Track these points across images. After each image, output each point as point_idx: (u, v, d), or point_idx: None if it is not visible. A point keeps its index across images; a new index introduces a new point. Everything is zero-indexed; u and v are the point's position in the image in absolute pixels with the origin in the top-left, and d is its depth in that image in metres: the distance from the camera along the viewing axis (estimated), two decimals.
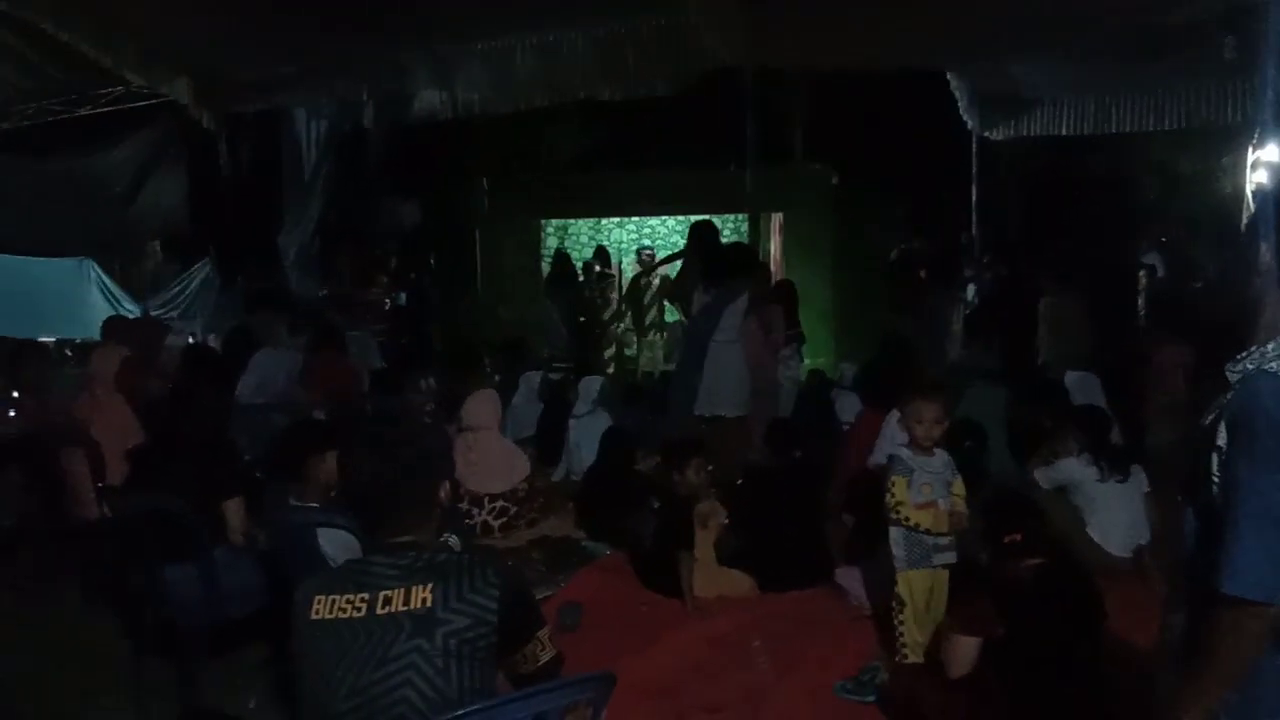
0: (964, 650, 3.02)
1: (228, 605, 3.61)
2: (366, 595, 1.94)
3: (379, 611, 1.92)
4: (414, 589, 1.93)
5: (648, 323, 10.85)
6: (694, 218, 12.26)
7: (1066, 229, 8.24)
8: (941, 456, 3.71)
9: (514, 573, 2.13)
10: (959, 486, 3.70)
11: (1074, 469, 4.56)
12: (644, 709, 3.50)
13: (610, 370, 10.12)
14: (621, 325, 11.28)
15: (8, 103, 9.05)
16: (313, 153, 9.54)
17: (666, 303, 10.63)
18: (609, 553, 5.24)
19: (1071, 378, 5.81)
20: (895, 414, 5.00)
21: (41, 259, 10.25)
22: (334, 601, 1.95)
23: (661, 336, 10.82)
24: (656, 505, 4.73)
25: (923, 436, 3.64)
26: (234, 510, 3.76)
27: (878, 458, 4.98)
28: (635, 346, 11.09)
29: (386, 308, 9.98)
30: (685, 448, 4.87)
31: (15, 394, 5.29)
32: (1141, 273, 9.04)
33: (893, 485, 3.64)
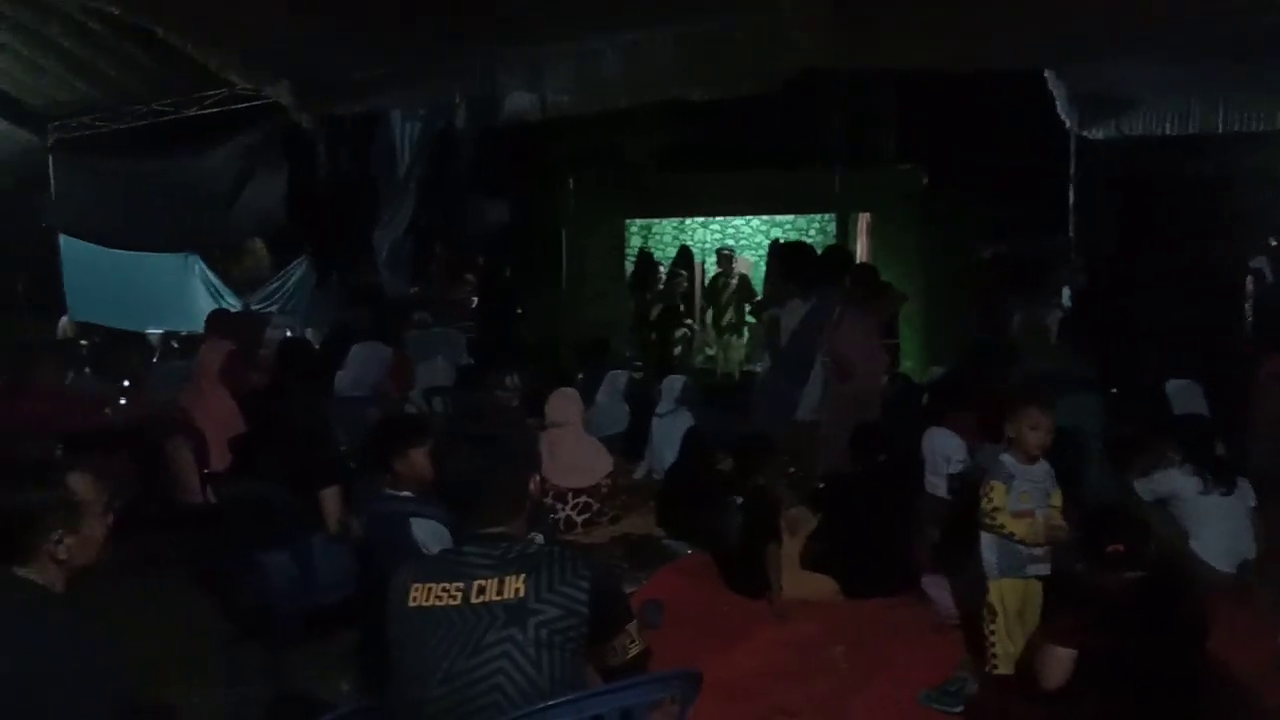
0: (1057, 662, 2.94)
1: (321, 591, 3.72)
2: (461, 584, 1.98)
3: (474, 600, 1.96)
4: (507, 579, 1.97)
5: (724, 322, 10.83)
6: (779, 218, 12.29)
7: (1168, 232, 7.93)
8: (1043, 466, 3.62)
9: (603, 566, 2.16)
10: (1058, 498, 3.60)
11: (1175, 481, 4.40)
12: (723, 711, 3.47)
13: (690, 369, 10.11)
14: (702, 325, 11.27)
15: (120, 105, 9.49)
16: (406, 153, 9.78)
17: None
18: (690, 552, 5.25)
19: (1173, 386, 5.60)
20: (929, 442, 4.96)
21: (149, 254, 10.70)
22: (430, 589, 2.00)
23: (739, 337, 10.78)
24: (740, 502, 4.71)
25: (1031, 445, 3.54)
26: (330, 499, 3.87)
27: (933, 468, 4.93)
28: (716, 346, 11.07)
29: (474, 305, 10.17)
30: (764, 447, 4.85)
31: (126, 383, 5.56)
32: (1249, 278, 8.65)
33: (991, 491, 3.55)
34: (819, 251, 6.95)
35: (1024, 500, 3.54)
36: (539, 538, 3.70)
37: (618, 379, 7.58)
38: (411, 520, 3.18)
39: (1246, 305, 8.48)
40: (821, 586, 4.62)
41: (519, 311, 10.23)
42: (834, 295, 6.06)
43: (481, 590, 1.97)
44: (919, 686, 3.65)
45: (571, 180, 11.40)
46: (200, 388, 5.57)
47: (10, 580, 1.99)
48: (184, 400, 5.61)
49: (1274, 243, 10.64)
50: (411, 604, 2.00)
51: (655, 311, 10.71)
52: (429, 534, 3.12)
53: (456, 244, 11.01)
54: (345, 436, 5.52)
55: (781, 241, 10.65)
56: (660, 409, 6.75)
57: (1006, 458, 3.62)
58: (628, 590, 4.62)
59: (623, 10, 6.94)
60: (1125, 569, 2.95)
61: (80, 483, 2.07)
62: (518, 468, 2.15)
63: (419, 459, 3.43)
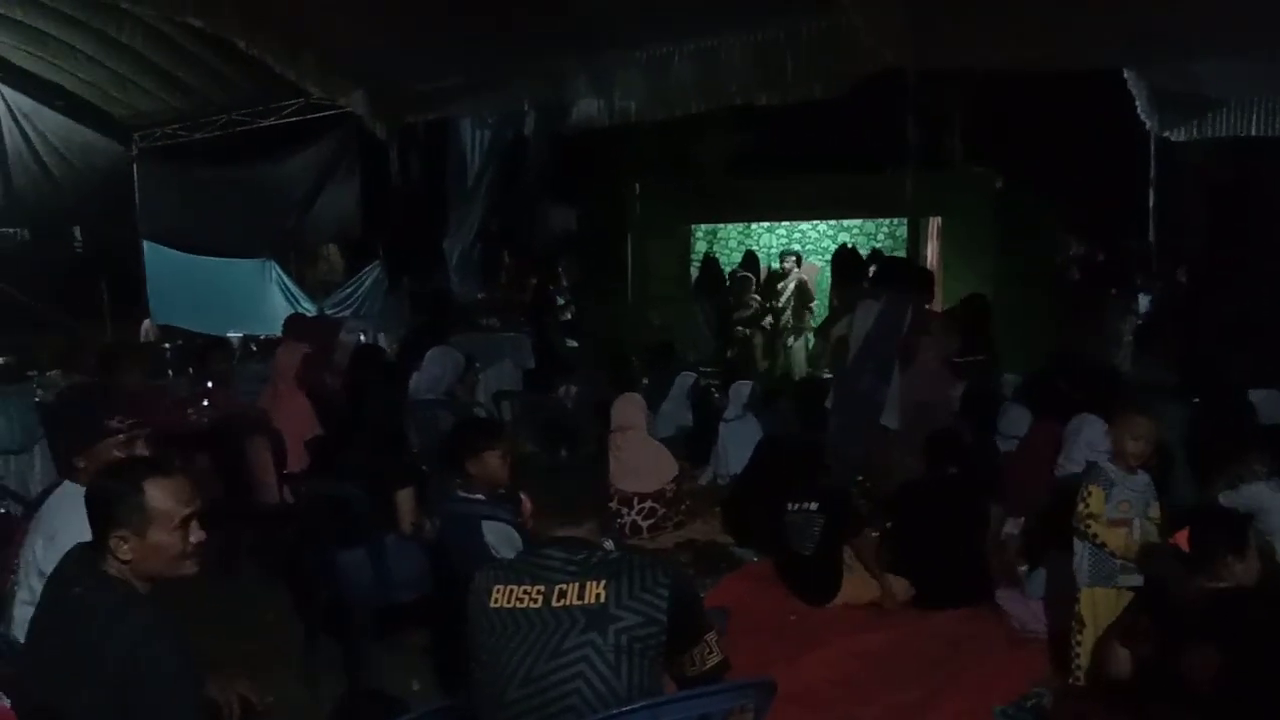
0: (1114, 658, 2.88)
1: (395, 590, 3.78)
2: (543, 587, 2.00)
3: (554, 604, 1.97)
4: (588, 584, 1.98)
5: (782, 324, 10.75)
6: (846, 222, 12.16)
7: (1252, 236, 7.66)
8: (1144, 477, 3.53)
9: (683, 575, 2.16)
10: (1156, 511, 3.50)
11: (1263, 494, 4.22)
12: None
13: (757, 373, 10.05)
14: (768, 329, 11.20)
15: (201, 115, 9.79)
16: (476, 161, 9.92)
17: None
18: (756, 559, 5.22)
19: (1257, 395, 5.40)
20: (1078, 427, 4.82)
21: (228, 260, 11.00)
22: (512, 591, 2.02)
23: (797, 340, 10.69)
24: (811, 508, 4.67)
25: (1136, 454, 3.47)
26: (404, 500, 3.94)
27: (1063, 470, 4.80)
28: (782, 351, 10.99)
29: (537, 311, 10.24)
30: (834, 451, 4.82)
31: (208, 385, 5.72)
32: None
33: (1088, 495, 3.47)
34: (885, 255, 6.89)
35: (1123, 510, 3.45)
36: (609, 543, 3.74)
37: (686, 380, 7.58)
38: (483, 523, 3.22)
39: None
40: (893, 586, 4.57)
41: (575, 317, 10.27)
42: (905, 297, 5.99)
43: (563, 594, 1.98)
44: (995, 702, 3.57)
45: (638, 185, 11.43)
46: (277, 390, 5.71)
47: (100, 578, 2.04)
48: (262, 402, 5.75)
49: None
50: (494, 605, 2.02)
51: (721, 316, 10.69)
52: (499, 536, 3.15)
53: (524, 250, 11.13)
54: (419, 439, 5.62)
55: (848, 246, 10.54)
56: (728, 414, 6.74)
57: (1108, 465, 3.54)
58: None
59: (692, 17, 6.96)
60: (1235, 580, 2.86)
61: (157, 490, 2.06)
62: (598, 471, 2.17)
63: (492, 461, 3.48)
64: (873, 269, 6.90)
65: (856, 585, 4.56)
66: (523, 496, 3.30)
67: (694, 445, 7.01)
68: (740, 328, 10.80)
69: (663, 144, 11.65)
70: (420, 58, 8.15)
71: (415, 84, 8.75)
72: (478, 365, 6.73)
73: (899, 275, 6.18)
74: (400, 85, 8.76)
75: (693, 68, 7.33)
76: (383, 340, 8.06)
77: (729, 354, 10.63)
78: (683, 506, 6.01)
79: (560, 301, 10.38)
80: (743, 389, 6.79)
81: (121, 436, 2.78)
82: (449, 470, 3.71)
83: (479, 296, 9.86)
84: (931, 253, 10.98)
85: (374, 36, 7.74)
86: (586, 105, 8.09)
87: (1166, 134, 8.82)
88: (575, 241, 11.23)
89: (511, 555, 2.85)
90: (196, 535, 2.12)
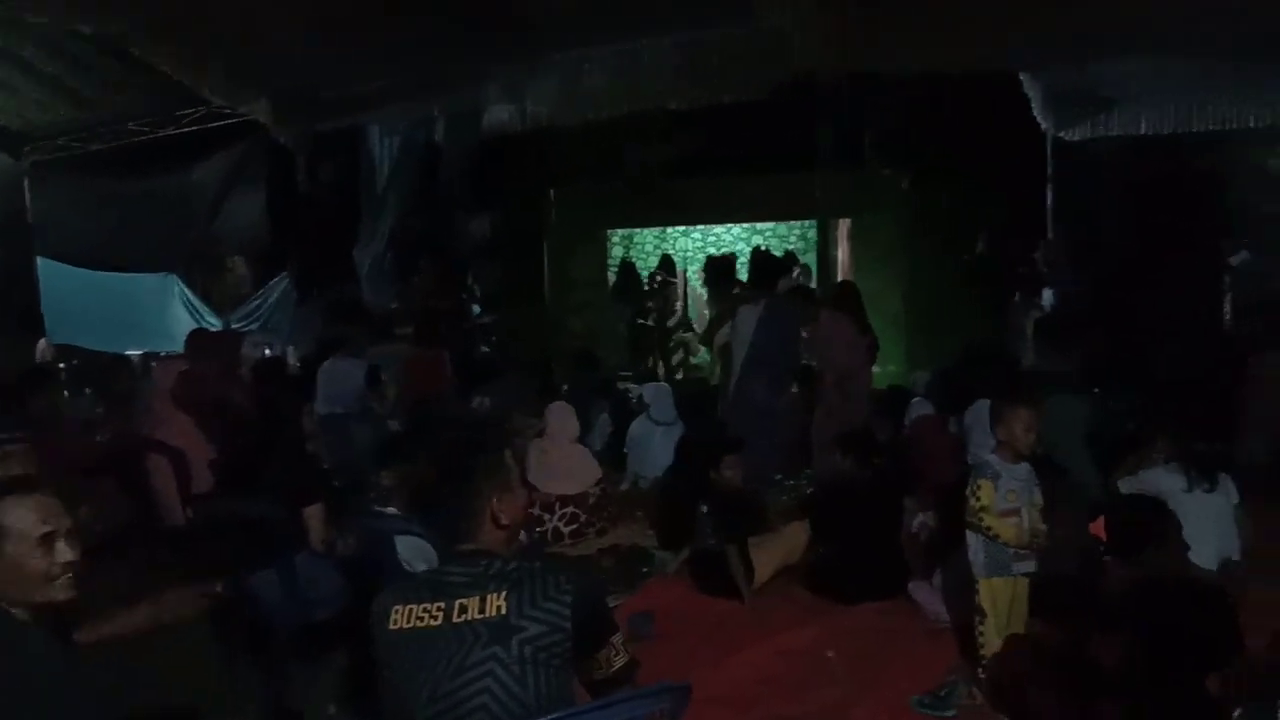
0: None
1: (309, 610, 3.68)
2: (443, 604, 1.97)
3: (455, 620, 1.95)
4: (489, 597, 1.96)
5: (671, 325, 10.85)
6: (760, 225, 12.32)
7: (1150, 231, 7.99)
8: (1026, 466, 3.63)
9: (586, 579, 2.15)
10: (1040, 498, 3.61)
11: (1160, 479, 4.39)
12: None
13: (677, 378, 10.11)
14: (685, 333, 11.27)
15: (96, 125, 9.43)
16: (386, 168, 9.75)
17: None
18: (679, 562, 5.23)
19: (1153, 384, 5.63)
20: (977, 415, 4.94)
21: (129, 275, 10.63)
22: (411, 610, 1.99)
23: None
24: (704, 509, 4.74)
25: (1017, 443, 3.56)
26: (314, 516, 3.84)
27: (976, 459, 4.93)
28: (700, 354, 11.08)
29: (453, 321, 10.11)
30: (721, 444, 4.88)
31: (106, 407, 5.51)
32: (1228, 276, 8.70)
33: (978, 489, 3.56)
34: (771, 256, 7.01)
35: (1011, 499, 3.55)
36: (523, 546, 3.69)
37: (607, 389, 7.59)
38: (396, 538, 3.16)
39: (1226, 302, 8.53)
40: (791, 543, 4.68)
41: (491, 325, 10.20)
42: (783, 296, 6.09)
43: (463, 609, 1.96)
44: (912, 691, 3.64)
45: (553, 191, 11.40)
46: (154, 410, 5.49)
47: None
48: (145, 423, 5.53)
49: (1248, 240, 10.75)
50: (393, 627, 1.99)
51: (638, 321, 10.70)
52: (413, 551, 3.10)
53: (440, 259, 10.97)
54: (331, 453, 5.49)
55: (715, 256, 10.59)
56: (645, 418, 6.75)
57: (993, 457, 3.63)
58: (616, 602, 4.63)
59: (608, 20, 6.95)
60: (1154, 564, 2.94)
61: (12, 507, 2.00)
62: (496, 483, 2.13)
63: (402, 475, 3.42)
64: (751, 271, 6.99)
65: (765, 560, 4.62)
66: None
67: (614, 451, 7.01)
68: (681, 333, 10.85)
69: (579, 149, 11.64)
70: (328, 64, 7.97)
71: (323, 91, 8.56)
72: (384, 378, 6.60)
73: (770, 275, 6.27)
74: (307, 92, 8.56)
75: (608, 72, 7.31)
76: (292, 354, 7.87)
77: (668, 360, 10.66)
78: (606, 512, 6.00)
79: (476, 310, 10.28)
80: (659, 393, 6.81)
81: None
82: (362, 484, 3.64)
83: (392, 306, 9.69)
84: (843, 254, 11.20)
85: (279, 42, 7.55)
86: (500, 110, 8.02)
87: (1062, 134, 9.13)
88: (491, 248, 11.12)
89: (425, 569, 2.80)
90: (65, 555, 2.04)
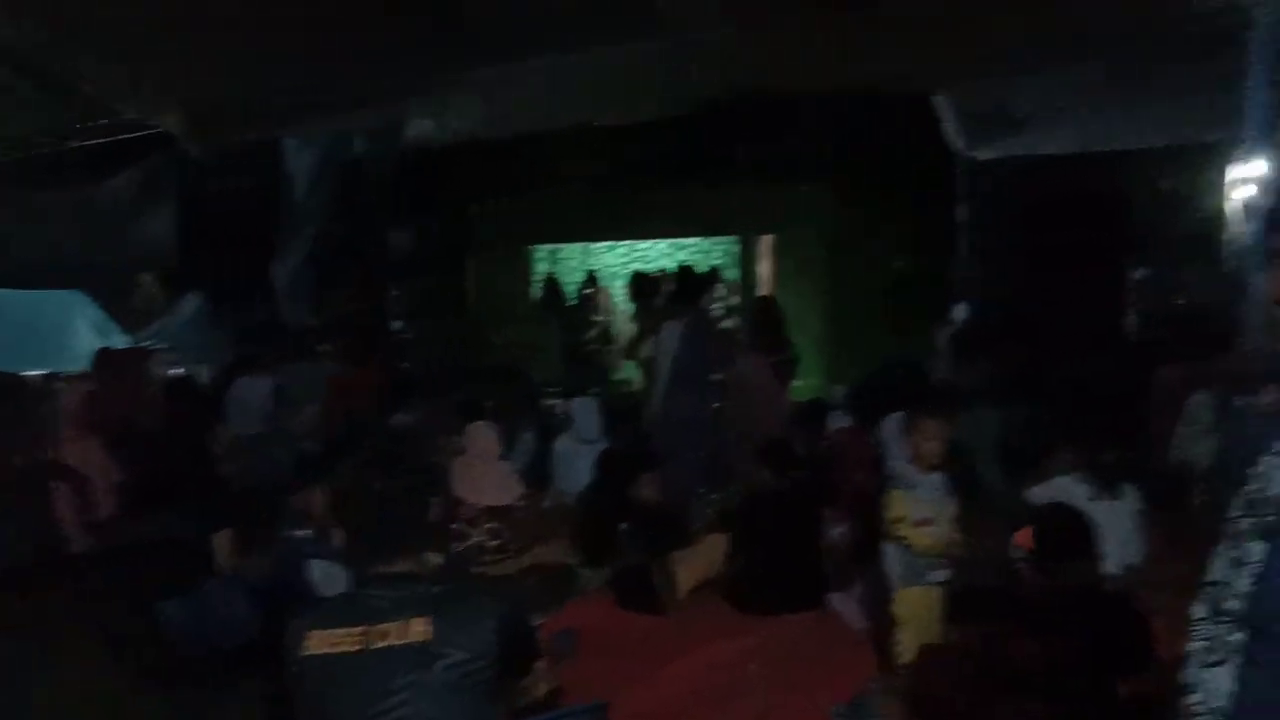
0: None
1: (220, 638, 3.58)
2: (362, 628, 1.93)
3: (375, 645, 1.90)
4: (411, 621, 1.92)
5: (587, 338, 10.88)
6: (685, 241, 12.41)
7: (1056, 247, 8.28)
8: (939, 476, 3.72)
9: (511, 604, 2.12)
10: (954, 508, 3.70)
11: (1067, 487, 4.54)
12: None
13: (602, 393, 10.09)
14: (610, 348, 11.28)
15: None
16: (304, 182, 9.54)
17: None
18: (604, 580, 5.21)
19: (1064, 396, 5.81)
20: (891, 428, 5.04)
21: (32, 292, 10.21)
22: (328, 636, 1.94)
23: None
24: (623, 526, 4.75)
25: (928, 454, 3.65)
26: (223, 541, 3.73)
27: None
28: (625, 369, 11.10)
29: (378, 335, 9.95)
30: (639, 461, 4.90)
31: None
32: (1131, 290, 9.07)
33: (893, 500, 3.64)
34: (695, 272, 7.09)
35: (924, 509, 3.64)
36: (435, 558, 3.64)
37: (539, 406, 7.54)
38: (309, 561, 3.09)
39: (1129, 315, 8.88)
40: (711, 555, 4.72)
41: (414, 342, 10.06)
42: (707, 312, 6.16)
43: (384, 634, 1.92)
44: (833, 700, 3.68)
45: (477, 206, 11.33)
46: (61, 433, 5.27)
47: None
48: (49, 446, 5.30)
49: (1156, 255, 11.21)
50: (308, 652, 1.93)
51: (563, 336, 10.69)
52: (323, 575, 3.03)
53: (361, 273, 10.78)
54: (244, 474, 5.34)
55: (640, 272, 10.66)
56: (571, 434, 6.72)
57: (906, 467, 3.72)
58: (540, 621, 4.59)
59: (531, 36, 6.94)
60: (1075, 573, 3.02)
61: None
62: (419, 503, 2.10)
63: (316, 497, 3.34)
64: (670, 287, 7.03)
65: (686, 573, 4.62)
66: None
67: (540, 468, 6.97)
68: (606, 348, 10.83)
69: (504, 163, 11.60)
70: (243, 75, 7.79)
71: (237, 102, 8.36)
72: (298, 396, 6.46)
73: (695, 292, 6.35)
74: (221, 104, 8.35)
75: (530, 87, 7.30)
76: (204, 373, 7.65)
77: (594, 376, 10.64)
78: (530, 530, 5.94)
79: (398, 325, 10.13)
80: (585, 408, 6.79)
81: None
82: (276, 507, 3.55)
83: (312, 323, 9.47)
84: (767, 269, 11.35)
85: (191, 53, 7.35)
86: (422, 124, 7.94)
87: (974, 153, 9.42)
88: (414, 263, 10.98)
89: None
90: None
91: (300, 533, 3.34)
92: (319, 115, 8.44)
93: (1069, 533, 3.15)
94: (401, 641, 1.90)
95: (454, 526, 5.35)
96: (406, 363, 9.53)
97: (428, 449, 5.60)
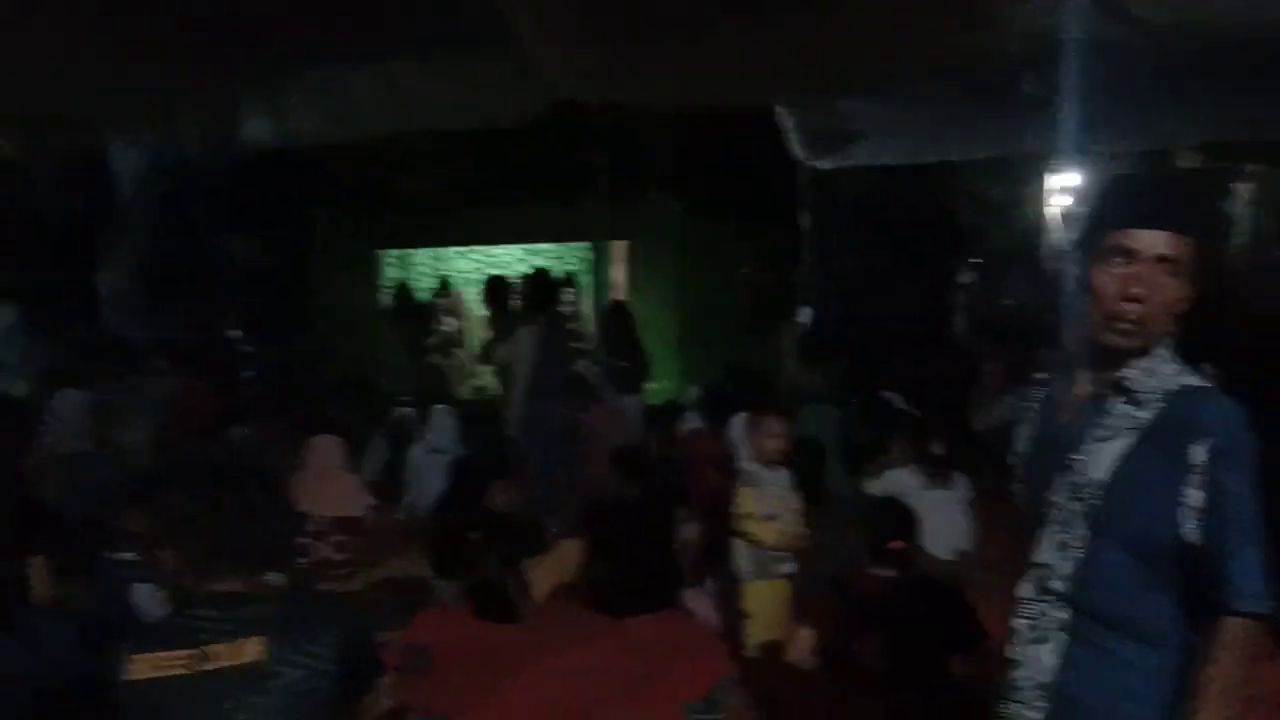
0: (798, 640, 3.08)
1: (39, 672, 3.33)
2: (191, 651, 1.84)
3: (206, 667, 1.82)
4: (243, 641, 1.84)
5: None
6: (539, 247, 12.39)
7: (892, 254, 8.73)
8: (783, 472, 3.85)
9: (351, 618, 2.06)
10: (797, 502, 3.83)
11: (901, 479, 4.78)
12: None
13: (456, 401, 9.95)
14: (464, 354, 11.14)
15: None
16: (132, 188, 9.02)
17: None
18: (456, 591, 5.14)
19: (899, 392, 6.10)
20: (737, 428, 5.18)
21: None
22: (153, 660, 1.84)
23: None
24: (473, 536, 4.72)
25: (771, 450, 3.76)
26: (38, 569, 3.47)
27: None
28: (481, 376, 10.99)
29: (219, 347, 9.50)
30: (491, 470, 4.89)
31: None
32: (960, 294, 9.64)
33: (740, 497, 3.74)
34: (549, 277, 7.10)
35: (770, 505, 3.75)
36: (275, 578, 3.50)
37: (393, 417, 7.36)
38: (134, 585, 2.92)
39: (959, 317, 9.43)
40: (566, 560, 4.74)
41: (255, 353, 9.67)
42: (562, 317, 6.20)
43: (215, 656, 1.84)
44: (687, 698, 3.74)
45: (321, 213, 10.98)
46: None
47: None
48: None
49: (979, 260, 11.95)
50: (135, 678, 1.83)
51: (417, 344, 10.48)
52: (146, 598, 2.87)
53: (197, 283, 10.26)
54: (66, 496, 5.00)
55: (494, 276, 10.63)
56: (425, 444, 6.60)
57: (752, 465, 3.83)
58: (391, 636, 4.49)
59: (370, 42, 6.78)
60: (903, 564, 3.16)
61: None
62: (251, 519, 2.02)
63: (141, 518, 3.16)
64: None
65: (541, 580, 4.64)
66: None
67: (392, 479, 6.81)
68: (461, 354, 10.65)
69: (349, 169, 11.28)
70: (64, 78, 7.29)
71: (58, 106, 7.82)
72: (119, 411, 6.09)
73: (548, 295, 6.38)
74: (40, 108, 7.79)
75: (373, 92, 7.13)
76: (20, 388, 7.12)
77: (449, 384, 10.43)
78: (380, 543, 5.80)
79: (237, 336, 9.70)
80: (439, 417, 6.68)
81: None
82: (96, 530, 3.34)
83: (143, 337, 8.95)
84: (620, 276, 11.47)
85: (7, 55, 6.83)
86: (259, 128, 7.64)
87: (816, 165, 9.79)
88: (255, 272, 10.54)
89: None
90: None
91: (125, 555, 3.14)
92: (146, 118, 8.02)
93: (895, 523, 3.31)
94: (234, 663, 1.82)
95: (299, 541, 5.17)
96: (246, 375, 9.12)
97: (267, 463, 5.39)
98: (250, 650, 1.83)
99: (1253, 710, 1.78)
